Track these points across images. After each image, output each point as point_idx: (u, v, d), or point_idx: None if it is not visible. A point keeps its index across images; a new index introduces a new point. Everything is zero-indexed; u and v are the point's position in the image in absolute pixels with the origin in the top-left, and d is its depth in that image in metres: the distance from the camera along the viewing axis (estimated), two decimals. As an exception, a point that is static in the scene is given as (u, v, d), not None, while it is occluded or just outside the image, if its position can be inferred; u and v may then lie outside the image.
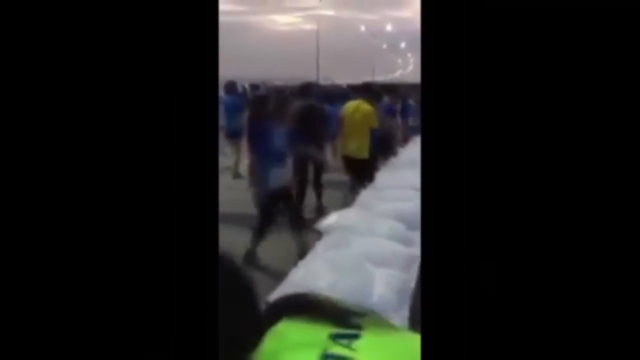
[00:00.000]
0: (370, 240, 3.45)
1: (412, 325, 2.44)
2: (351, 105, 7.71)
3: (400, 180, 4.88)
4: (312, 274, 2.81)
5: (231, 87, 12.91)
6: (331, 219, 3.95)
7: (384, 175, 5.56)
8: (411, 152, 6.77)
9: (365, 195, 4.97)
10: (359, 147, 7.51)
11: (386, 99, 9.50)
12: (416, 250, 3.48)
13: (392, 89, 10.60)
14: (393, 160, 6.51)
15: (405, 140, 8.56)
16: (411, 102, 11.78)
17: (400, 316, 2.40)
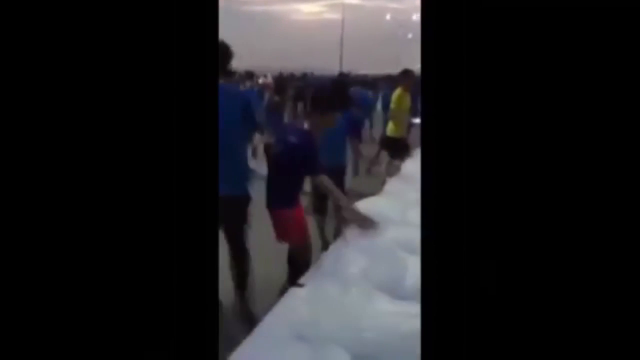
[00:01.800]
0: (401, 227, 3.36)
1: None
2: (395, 91, 8.21)
3: None
4: (344, 259, 2.85)
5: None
6: (362, 205, 3.78)
7: (413, 165, 5.48)
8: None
9: (394, 183, 4.85)
10: (394, 128, 8.21)
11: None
12: None
13: None
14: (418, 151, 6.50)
15: None
16: None
17: None
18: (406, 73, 8.37)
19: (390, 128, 8.17)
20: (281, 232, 3.90)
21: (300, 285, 2.64)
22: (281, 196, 3.81)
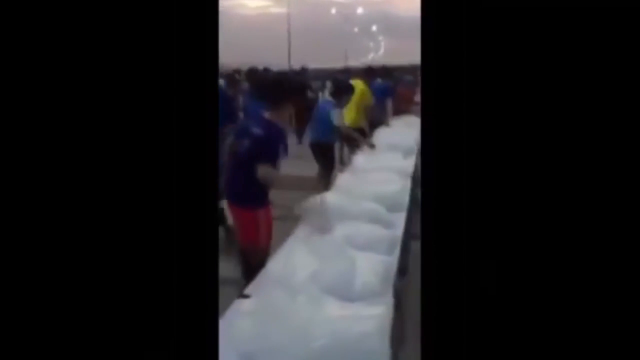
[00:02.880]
0: (351, 223, 3.34)
1: (397, 311, 2.38)
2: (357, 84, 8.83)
3: (379, 163, 4.79)
4: (292, 263, 2.73)
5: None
6: (309, 203, 3.68)
7: (363, 159, 5.55)
8: (390, 135, 6.77)
9: (344, 178, 4.70)
10: (355, 118, 8.40)
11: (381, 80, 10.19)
12: (397, 232, 3.44)
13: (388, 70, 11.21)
14: (372, 142, 6.52)
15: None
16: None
17: (385, 302, 2.37)
18: (370, 69, 9.06)
19: (352, 118, 8.27)
20: (251, 234, 3.78)
21: (246, 297, 2.53)
22: (253, 194, 3.71)
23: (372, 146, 6.17)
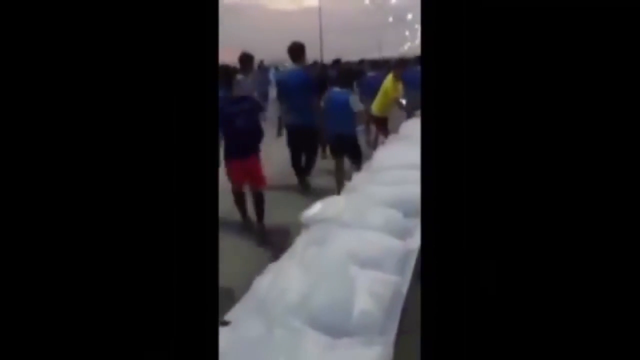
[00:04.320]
0: (359, 234, 2.92)
1: (397, 352, 2.04)
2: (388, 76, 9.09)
3: (402, 159, 4.47)
4: (281, 283, 2.39)
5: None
6: (315, 210, 3.40)
7: (384, 154, 5.17)
8: (417, 127, 6.31)
9: (359, 177, 4.41)
10: (380, 109, 8.69)
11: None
12: (414, 243, 2.98)
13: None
14: (394, 138, 6.27)
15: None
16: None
17: (385, 341, 2.04)
18: (402, 60, 9.10)
19: (377, 107, 8.57)
20: (258, 174, 5.09)
21: (226, 323, 2.22)
22: (253, 144, 5.05)
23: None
